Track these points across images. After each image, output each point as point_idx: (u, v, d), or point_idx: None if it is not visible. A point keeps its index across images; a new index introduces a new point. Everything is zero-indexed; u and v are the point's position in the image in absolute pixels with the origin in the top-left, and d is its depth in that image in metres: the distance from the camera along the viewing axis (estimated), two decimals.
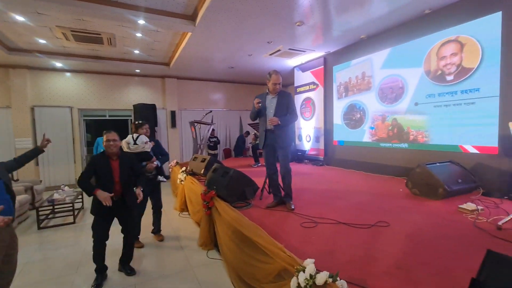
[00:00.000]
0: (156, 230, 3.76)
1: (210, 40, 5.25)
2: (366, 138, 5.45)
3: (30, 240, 3.91)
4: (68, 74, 7.48)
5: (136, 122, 3.51)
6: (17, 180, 5.84)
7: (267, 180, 3.46)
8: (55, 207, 4.70)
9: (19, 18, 4.26)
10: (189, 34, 4.94)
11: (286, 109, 3.03)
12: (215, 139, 9.09)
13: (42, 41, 5.38)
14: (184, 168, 5.31)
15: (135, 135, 3.40)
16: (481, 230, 2.28)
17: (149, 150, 3.43)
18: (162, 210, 3.79)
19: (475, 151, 3.73)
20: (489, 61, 3.51)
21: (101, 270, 2.68)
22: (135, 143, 3.33)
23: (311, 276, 1.46)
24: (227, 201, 3.16)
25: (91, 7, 3.72)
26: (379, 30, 4.95)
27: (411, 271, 1.64)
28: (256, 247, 2.13)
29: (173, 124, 8.77)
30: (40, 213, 4.44)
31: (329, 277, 1.44)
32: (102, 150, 2.64)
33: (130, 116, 8.34)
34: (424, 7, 4.04)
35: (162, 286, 2.61)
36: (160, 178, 3.58)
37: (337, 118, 6.18)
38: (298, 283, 1.52)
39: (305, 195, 3.66)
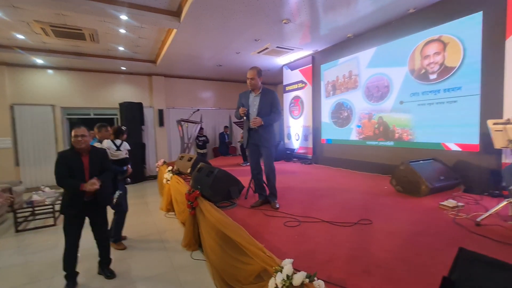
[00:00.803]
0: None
1: (196, 37, 5.16)
2: (353, 136, 5.48)
3: (6, 244, 3.75)
4: (50, 71, 7.23)
5: (120, 127, 3.48)
6: None
7: (252, 180, 3.43)
8: (35, 209, 4.53)
9: None
10: (175, 31, 4.84)
11: (269, 108, 2.98)
12: (204, 138, 8.99)
13: (20, 36, 5.17)
14: (170, 168, 5.21)
15: (117, 141, 3.36)
16: (460, 227, 2.31)
17: (127, 155, 3.46)
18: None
19: (457, 148, 3.80)
20: (470, 60, 3.57)
21: (72, 276, 2.57)
22: (118, 149, 3.29)
23: (288, 276, 1.43)
24: (212, 201, 3.11)
25: (70, 1, 3.58)
26: (365, 29, 4.98)
27: (390, 269, 1.64)
28: (237, 247, 2.10)
29: (161, 123, 8.62)
30: (19, 215, 4.27)
31: (306, 277, 1.41)
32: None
33: (116, 115, 8.15)
34: (408, 6, 4.08)
35: None
36: (128, 180, 3.64)
37: (325, 116, 6.20)
38: (276, 284, 1.49)
39: (290, 194, 3.64)
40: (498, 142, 2.40)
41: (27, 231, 4.19)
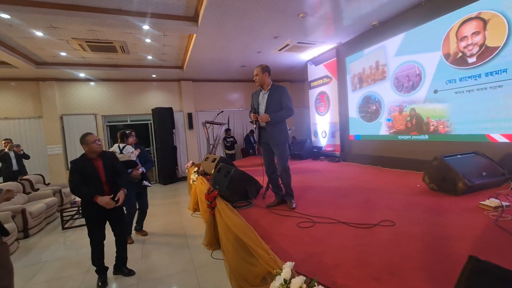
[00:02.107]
0: (139, 228, 3.96)
1: (216, 40, 5.26)
2: (383, 131, 5.11)
3: (55, 239, 4.20)
4: (91, 83, 7.96)
5: (124, 132, 3.70)
6: (48, 184, 6.34)
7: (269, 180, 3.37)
8: (79, 208, 5.01)
9: (38, 33, 4.60)
10: (195, 35, 4.98)
11: (279, 104, 2.88)
12: (231, 139, 9.13)
13: (63, 53, 5.76)
14: (196, 169, 5.38)
15: (121, 145, 3.60)
16: (502, 230, 2.00)
17: (134, 158, 3.64)
18: (147, 211, 4.02)
19: (504, 140, 3.31)
20: None
21: (103, 270, 2.77)
22: (121, 153, 3.51)
23: (285, 281, 1.37)
24: (229, 201, 3.13)
25: (96, 16, 3.88)
26: (391, 15, 4.60)
27: (404, 278, 1.47)
28: (246, 248, 2.07)
29: (190, 126, 8.96)
30: (65, 214, 4.76)
31: (305, 282, 1.33)
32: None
33: (150, 120, 8.67)
34: None
35: (161, 286, 2.64)
36: (145, 183, 3.77)
37: (352, 111, 5.88)
38: None
39: (311, 194, 3.51)
40: None
41: (72, 228, 4.65)
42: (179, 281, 2.70)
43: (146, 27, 4.34)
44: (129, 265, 2.98)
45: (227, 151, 8.99)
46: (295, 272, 1.45)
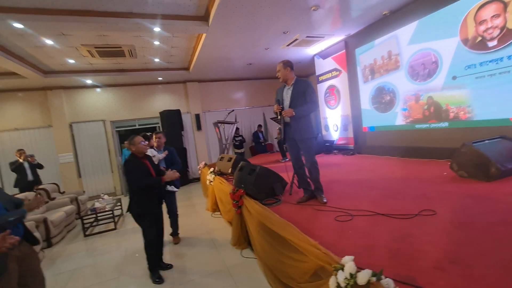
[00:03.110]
0: (174, 233, 3.87)
1: (225, 39, 5.21)
2: (399, 121, 5.06)
3: (78, 248, 4.19)
4: (98, 89, 7.93)
5: (145, 134, 3.59)
6: (63, 192, 6.33)
7: (295, 175, 3.34)
8: (98, 215, 5.01)
9: (48, 41, 4.57)
10: (204, 35, 4.94)
11: (304, 98, 2.84)
12: (240, 137, 9.10)
13: (71, 61, 5.73)
14: (212, 169, 5.35)
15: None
16: None
17: (156, 162, 3.49)
18: (177, 214, 3.89)
19: None
20: None
21: (160, 266, 2.96)
22: None
23: (351, 275, 1.33)
24: (256, 199, 3.10)
25: (108, 21, 3.85)
26: (402, 3, 4.55)
27: (468, 265, 1.44)
28: (288, 245, 2.04)
29: (199, 127, 8.93)
30: (85, 221, 4.76)
31: (372, 275, 1.30)
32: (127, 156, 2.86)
33: (158, 123, 8.65)
34: None
35: (201, 286, 2.62)
36: (169, 187, 3.60)
37: (365, 103, 5.83)
38: (338, 283, 1.40)
39: (336, 187, 3.48)
40: None
41: (93, 235, 4.64)
42: (216, 281, 2.67)
43: (157, 29, 4.30)
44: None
45: (236, 150, 8.96)
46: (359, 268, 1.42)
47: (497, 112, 3.60)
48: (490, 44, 3.54)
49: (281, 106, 2.92)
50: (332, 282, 1.44)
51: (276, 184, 3.30)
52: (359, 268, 1.40)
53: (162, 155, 3.64)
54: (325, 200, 2.87)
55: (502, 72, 3.46)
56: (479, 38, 3.65)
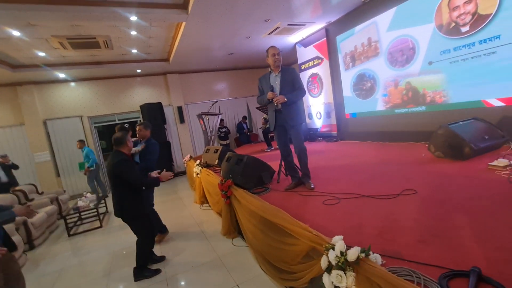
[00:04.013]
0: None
1: (205, 28, 5.09)
2: (380, 106, 5.22)
3: (62, 248, 4.06)
4: (72, 83, 7.54)
5: (122, 126, 3.57)
6: (42, 193, 6.06)
7: (283, 163, 3.39)
8: (81, 213, 4.85)
9: (15, 33, 4.25)
10: (183, 24, 4.79)
11: (292, 85, 2.89)
12: (225, 129, 9.04)
13: (41, 53, 5.39)
14: (198, 161, 5.31)
15: None
16: None
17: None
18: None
19: (500, 103, 3.48)
20: (510, 2, 3.19)
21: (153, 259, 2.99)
22: None
23: (341, 253, 1.40)
24: (245, 188, 3.13)
25: (81, 10, 3.63)
26: None
27: (449, 238, 1.55)
28: (280, 230, 2.09)
29: (182, 120, 8.76)
30: (68, 221, 4.60)
31: (361, 252, 1.37)
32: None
33: (139, 117, 8.39)
34: None
35: (193, 277, 2.64)
36: None
37: (347, 90, 5.95)
38: (329, 261, 1.46)
39: (322, 173, 3.57)
40: None
41: (78, 234, 4.51)
42: (209, 271, 2.70)
43: (133, 17, 4.12)
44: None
45: (221, 142, 8.91)
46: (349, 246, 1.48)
47: (470, 94, 3.79)
48: (463, 29, 3.69)
49: (276, 92, 2.92)
50: (323, 261, 1.50)
51: (264, 173, 3.33)
52: (348, 247, 1.47)
53: (138, 148, 3.47)
54: (312, 186, 2.95)
55: (474, 57, 3.64)
56: (453, 24, 3.80)
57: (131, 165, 2.68)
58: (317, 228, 1.82)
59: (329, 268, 1.47)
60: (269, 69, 3.02)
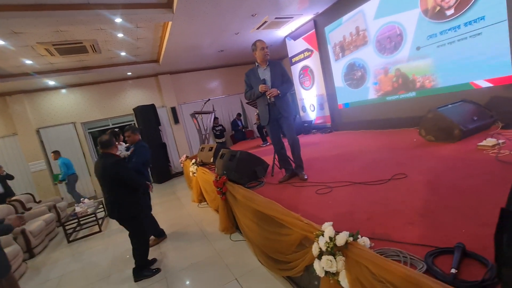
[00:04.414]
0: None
1: (192, 26, 5.05)
2: (371, 95, 5.24)
3: (63, 254, 4.07)
4: (63, 90, 7.48)
5: (113, 130, 3.63)
6: (39, 201, 6.05)
7: (276, 156, 3.40)
8: (80, 219, 4.85)
9: None
10: (170, 23, 4.76)
11: (281, 78, 2.92)
12: (220, 127, 9.02)
13: (28, 61, 5.34)
14: (194, 161, 5.31)
15: None
16: (504, 163, 2.16)
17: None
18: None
19: (488, 84, 3.51)
20: None
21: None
22: None
23: (331, 238, 1.42)
24: (240, 183, 3.14)
25: (64, 14, 3.60)
26: None
27: (436, 218, 1.57)
28: (274, 222, 2.12)
29: (176, 120, 8.74)
30: (67, 227, 4.60)
31: (349, 236, 1.39)
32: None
33: (133, 120, 8.36)
34: None
35: (192, 274, 2.67)
36: None
37: (338, 80, 5.96)
38: (320, 248, 1.48)
39: (316, 164, 3.59)
40: None
41: (78, 240, 4.51)
42: (207, 267, 2.73)
43: (118, 19, 4.08)
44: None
45: (217, 140, 8.90)
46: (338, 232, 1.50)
47: (458, 77, 3.81)
48: (448, 12, 3.70)
49: (268, 85, 2.92)
50: (314, 247, 1.52)
51: (258, 167, 3.35)
52: (338, 232, 1.49)
53: (127, 153, 3.51)
54: (306, 177, 2.97)
55: (460, 39, 3.65)
56: (438, 8, 3.80)
57: (126, 165, 2.71)
58: (309, 217, 1.85)
59: (321, 255, 1.49)
60: (256, 64, 3.02)
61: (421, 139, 3.47)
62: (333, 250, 1.41)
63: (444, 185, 2.01)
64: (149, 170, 3.75)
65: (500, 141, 2.57)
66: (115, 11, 3.91)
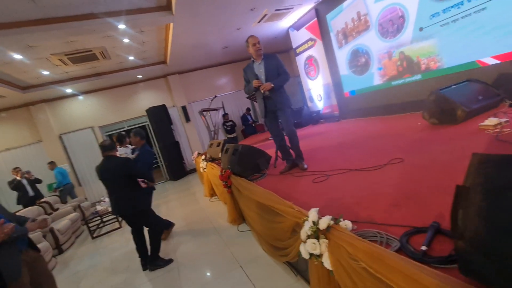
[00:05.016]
0: None
1: (193, 25, 5.17)
2: (377, 80, 5.14)
3: (88, 249, 4.41)
4: (80, 97, 7.91)
5: (119, 134, 3.84)
6: (66, 202, 6.51)
7: (279, 149, 3.46)
8: (102, 217, 5.20)
9: (16, 56, 4.54)
10: (172, 25, 4.90)
11: (276, 71, 2.95)
12: (231, 122, 9.17)
13: (45, 72, 5.70)
14: (203, 157, 5.49)
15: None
16: (503, 142, 2.11)
17: None
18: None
19: (495, 61, 3.36)
20: None
21: None
22: None
23: (314, 223, 1.50)
24: (243, 176, 3.25)
25: (71, 26, 3.83)
26: None
27: (421, 199, 1.60)
28: (271, 211, 2.21)
29: (187, 119, 8.98)
30: (90, 225, 4.96)
31: (332, 220, 1.46)
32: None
33: (147, 121, 8.69)
34: None
35: (200, 264, 2.84)
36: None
37: (343, 68, 5.88)
38: (306, 232, 1.56)
39: (318, 154, 3.63)
40: None
41: (100, 236, 4.85)
42: (215, 256, 2.89)
43: (122, 26, 4.27)
44: (163, 253, 3.17)
45: (229, 135, 9.06)
46: (321, 216, 1.58)
47: (464, 56, 3.67)
48: None
49: (262, 79, 2.98)
50: (302, 232, 1.61)
51: (260, 159, 3.44)
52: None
53: (133, 156, 3.70)
54: (305, 167, 3.02)
55: (463, 16, 3.51)
56: None
57: (133, 161, 2.96)
58: (302, 205, 1.93)
59: (308, 239, 1.57)
60: (252, 59, 3.08)
61: (426, 122, 3.40)
62: (316, 233, 1.49)
63: (439, 167, 2.01)
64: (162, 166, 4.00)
65: (503, 119, 2.49)
66: (118, 17, 4.09)
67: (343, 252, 1.32)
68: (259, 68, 3.01)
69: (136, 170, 2.89)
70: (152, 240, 3.02)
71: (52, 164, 6.81)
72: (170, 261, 3.03)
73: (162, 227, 3.21)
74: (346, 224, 1.46)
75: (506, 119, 2.51)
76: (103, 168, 2.85)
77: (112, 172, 2.83)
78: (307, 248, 1.51)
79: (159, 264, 3.00)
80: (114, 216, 5.07)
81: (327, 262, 1.44)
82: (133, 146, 3.85)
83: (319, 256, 1.48)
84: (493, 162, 0.90)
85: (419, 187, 1.77)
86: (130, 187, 2.90)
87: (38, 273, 2.21)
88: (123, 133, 3.93)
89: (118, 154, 3.40)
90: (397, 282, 1.01)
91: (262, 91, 2.94)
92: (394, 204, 1.63)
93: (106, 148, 2.85)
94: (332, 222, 1.45)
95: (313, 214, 1.54)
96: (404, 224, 1.41)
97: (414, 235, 1.29)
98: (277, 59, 3.02)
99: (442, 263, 1.05)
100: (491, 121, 2.52)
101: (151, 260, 3.02)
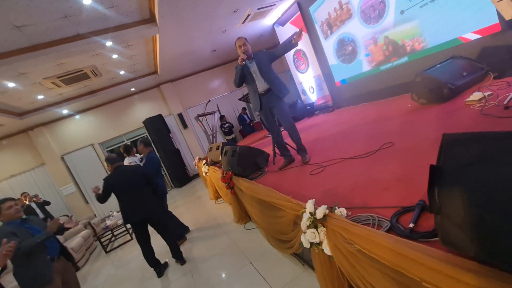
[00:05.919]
0: None
1: (179, 33, 5.24)
2: (365, 67, 5.20)
3: (103, 263, 4.54)
4: (77, 116, 8.00)
5: (126, 144, 4.05)
6: (76, 221, 6.62)
7: (275, 145, 3.54)
8: (113, 231, 5.32)
9: (10, 84, 4.62)
10: (158, 35, 4.96)
11: (268, 62, 3.02)
12: (228, 124, 9.25)
13: (40, 96, 5.79)
14: (204, 161, 5.58)
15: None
16: (487, 116, 2.19)
17: None
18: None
19: (476, 36, 3.42)
20: None
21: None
22: None
23: (311, 213, 1.59)
24: (244, 176, 3.35)
25: (59, 49, 3.90)
26: None
27: (410, 179, 1.69)
28: (272, 206, 2.30)
29: (184, 126, 9.07)
30: (102, 239, 5.07)
31: (327, 209, 1.55)
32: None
33: (145, 132, 8.77)
34: None
35: (212, 264, 2.95)
36: None
37: (331, 58, 5.93)
38: (306, 224, 1.66)
39: (316, 145, 3.71)
40: (507, 12, 2.15)
41: (114, 250, 4.97)
42: (225, 255, 3.00)
43: (109, 43, 4.34)
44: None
45: (227, 137, 9.15)
46: (317, 207, 1.67)
47: (446, 34, 3.73)
48: None
49: (254, 82, 3.04)
50: (302, 224, 1.70)
51: (258, 158, 3.53)
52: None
53: (140, 164, 3.84)
54: (308, 159, 3.07)
55: None
56: None
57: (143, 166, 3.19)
58: (299, 197, 2.02)
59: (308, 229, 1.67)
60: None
61: (415, 103, 3.47)
62: (314, 223, 1.58)
63: (427, 147, 2.09)
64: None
65: (486, 93, 2.57)
66: (104, 35, 4.16)
67: (339, 238, 1.41)
68: (252, 67, 3.06)
69: (149, 170, 3.14)
70: (167, 239, 3.21)
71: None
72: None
73: (176, 229, 3.37)
74: (341, 211, 1.55)
75: (489, 92, 2.58)
76: (116, 176, 2.96)
77: (131, 178, 2.96)
78: (307, 237, 1.61)
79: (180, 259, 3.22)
80: (125, 229, 5.19)
81: (326, 249, 1.53)
82: (141, 155, 4.03)
83: (319, 244, 1.58)
84: (460, 140, 0.98)
85: (409, 168, 1.85)
86: (146, 191, 3.11)
87: (70, 282, 2.38)
88: (129, 143, 4.09)
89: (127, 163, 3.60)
90: (388, 259, 1.10)
91: (296, 40, 2.93)
92: (385, 188, 1.72)
93: (115, 160, 2.97)
94: (327, 211, 1.54)
95: (310, 205, 1.63)
96: (394, 205, 1.50)
97: (403, 214, 1.38)
98: (266, 52, 3.08)
99: (427, 237, 1.14)
100: (476, 96, 2.60)
101: (177, 253, 3.23)
